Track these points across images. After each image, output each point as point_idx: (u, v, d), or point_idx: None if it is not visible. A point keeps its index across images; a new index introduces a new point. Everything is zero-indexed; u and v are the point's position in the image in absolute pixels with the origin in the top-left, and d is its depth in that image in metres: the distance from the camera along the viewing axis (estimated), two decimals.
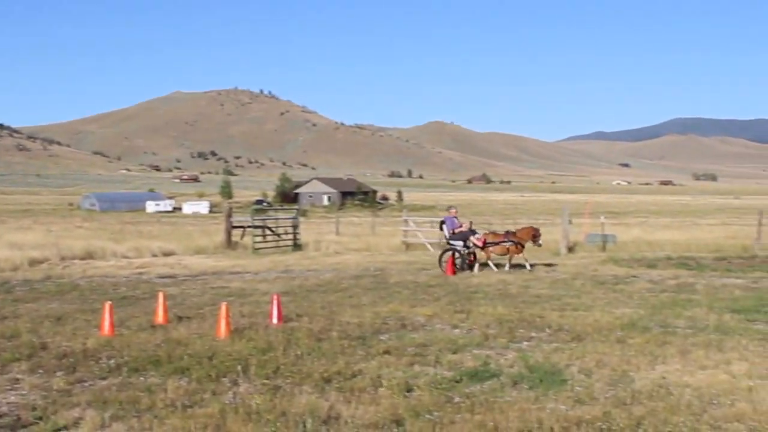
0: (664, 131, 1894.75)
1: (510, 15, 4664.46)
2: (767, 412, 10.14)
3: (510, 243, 29.74)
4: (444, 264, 29.14)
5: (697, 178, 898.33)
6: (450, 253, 29.68)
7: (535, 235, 30.18)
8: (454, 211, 31.59)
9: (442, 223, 31.18)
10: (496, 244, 30.06)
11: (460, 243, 29.88)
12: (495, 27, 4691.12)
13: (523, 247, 29.97)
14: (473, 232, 30.37)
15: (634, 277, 27.80)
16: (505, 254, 30.14)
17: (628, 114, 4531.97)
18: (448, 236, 30.51)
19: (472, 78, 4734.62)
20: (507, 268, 29.24)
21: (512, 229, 32.71)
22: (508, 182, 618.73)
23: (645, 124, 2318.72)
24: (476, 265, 29.53)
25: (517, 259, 30.11)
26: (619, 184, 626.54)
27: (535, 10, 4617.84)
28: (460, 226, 30.55)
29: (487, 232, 31.68)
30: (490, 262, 29.78)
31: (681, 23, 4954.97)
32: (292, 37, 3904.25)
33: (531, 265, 29.61)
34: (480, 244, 29.92)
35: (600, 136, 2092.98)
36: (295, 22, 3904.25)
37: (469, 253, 29.96)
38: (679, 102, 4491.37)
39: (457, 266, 29.07)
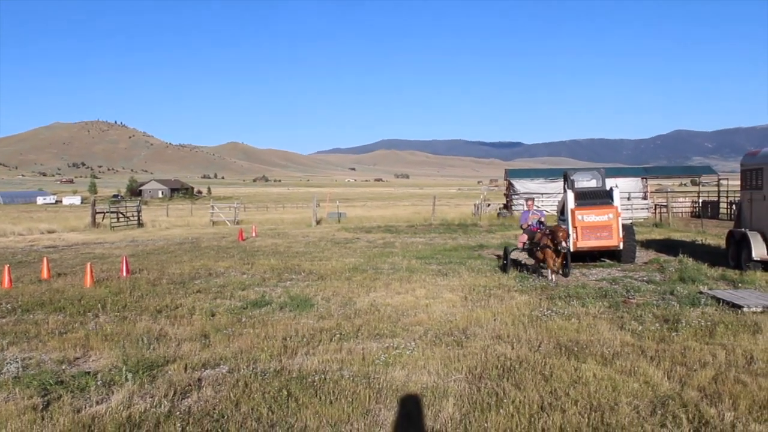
0: (377, 147, 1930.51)
1: (268, 57, 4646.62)
2: (437, 319, 10.61)
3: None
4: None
5: (397, 177, 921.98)
6: (515, 248, 17.74)
7: (554, 239, 14.93)
8: (530, 203, 18.08)
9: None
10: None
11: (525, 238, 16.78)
12: (265, 67, 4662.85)
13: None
14: (532, 231, 16.79)
15: (357, 239, 28.38)
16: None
17: (355, 135, 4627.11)
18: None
19: (256, 106, 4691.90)
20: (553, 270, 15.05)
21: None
22: (279, 181, 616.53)
23: (365, 142, 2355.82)
24: (550, 270, 15.04)
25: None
26: (349, 181, 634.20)
27: (284, 48, 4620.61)
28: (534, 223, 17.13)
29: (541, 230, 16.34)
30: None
31: (389, 66, 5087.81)
32: (139, 76, 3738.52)
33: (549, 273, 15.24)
34: (520, 244, 17.12)
35: (337, 150, 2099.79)
36: (156, 65, 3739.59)
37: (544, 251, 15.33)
38: (386, 128, 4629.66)
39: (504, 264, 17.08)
